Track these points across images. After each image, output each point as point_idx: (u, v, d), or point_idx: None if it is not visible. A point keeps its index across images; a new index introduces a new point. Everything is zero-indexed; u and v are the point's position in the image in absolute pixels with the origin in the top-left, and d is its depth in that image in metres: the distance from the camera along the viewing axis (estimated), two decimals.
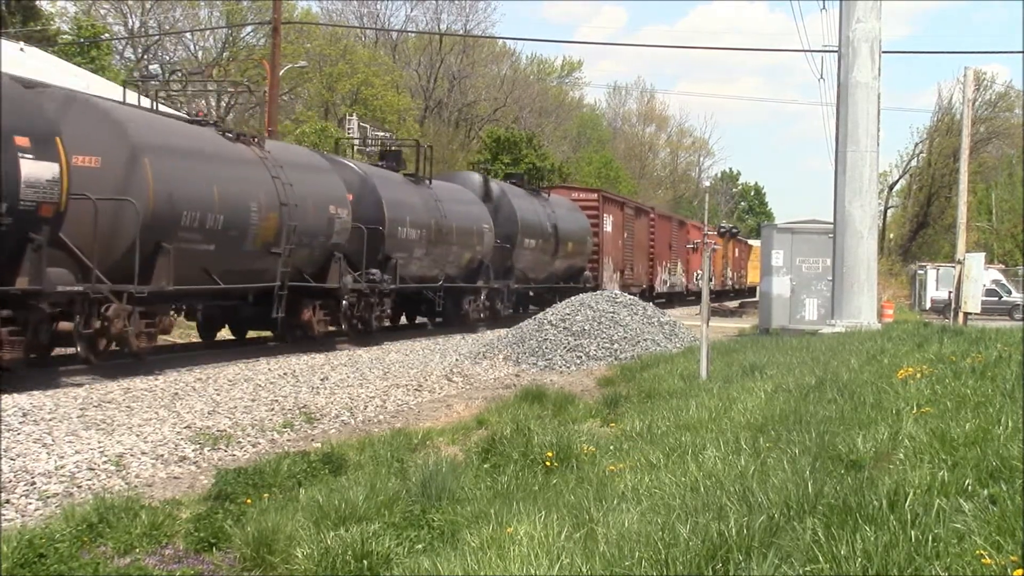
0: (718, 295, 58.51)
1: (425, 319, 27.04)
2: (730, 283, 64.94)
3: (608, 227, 36.17)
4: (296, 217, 17.71)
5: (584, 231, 34.18)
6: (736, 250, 65.97)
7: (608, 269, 35.91)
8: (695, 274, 53.68)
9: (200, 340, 19.90)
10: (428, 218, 23.61)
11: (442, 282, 24.58)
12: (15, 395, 11.35)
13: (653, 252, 43.14)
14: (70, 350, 14.30)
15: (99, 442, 9.37)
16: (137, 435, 9.82)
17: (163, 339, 16.79)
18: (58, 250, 13.18)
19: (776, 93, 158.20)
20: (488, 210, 27.58)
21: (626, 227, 38.56)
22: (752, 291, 68.67)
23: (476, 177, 29.81)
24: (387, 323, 22.02)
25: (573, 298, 21.21)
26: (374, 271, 20.82)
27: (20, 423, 9.93)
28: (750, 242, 73.02)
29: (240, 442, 10.12)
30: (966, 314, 26.13)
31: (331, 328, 20.07)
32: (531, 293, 33.00)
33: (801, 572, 4.26)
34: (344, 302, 19.70)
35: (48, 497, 7.69)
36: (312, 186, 18.85)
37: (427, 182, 25.11)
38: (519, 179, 33.11)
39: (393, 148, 27.06)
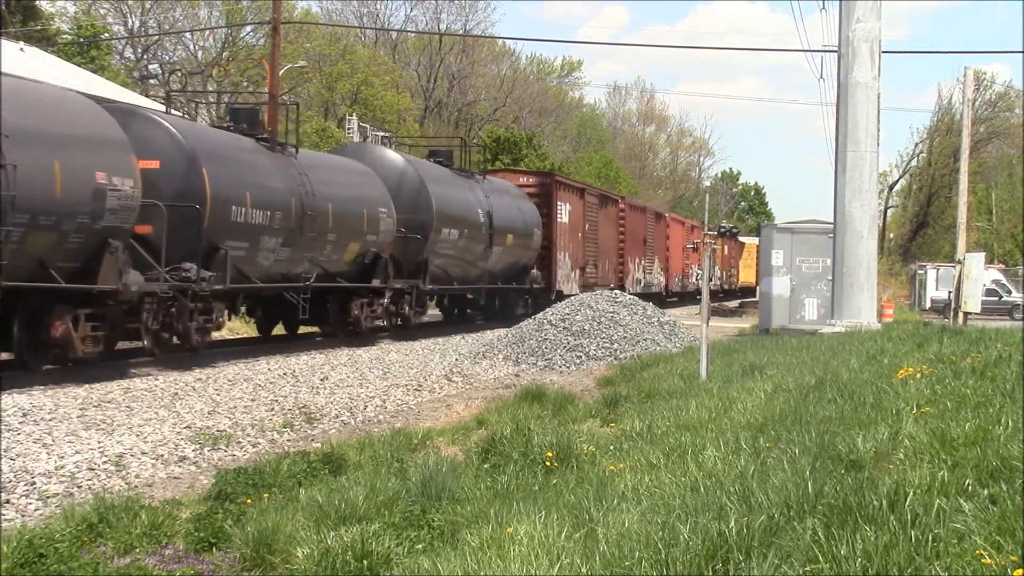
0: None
1: (317, 328, 21.55)
2: (718, 283, 59.75)
3: (563, 217, 31.07)
4: (22, 185, 12.01)
5: (530, 222, 28.97)
6: (726, 248, 61.14)
7: (563, 267, 31.15)
8: (688, 273, 50.44)
9: None
10: (286, 197, 17.84)
11: (312, 280, 19.00)
12: (15, 395, 11.35)
13: (623, 247, 37.83)
14: None
15: (99, 442, 9.38)
16: (137, 435, 9.82)
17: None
18: None
19: (776, 93, 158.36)
20: (398, 192, 22.38)
21: (588, 218, 33.33)
22: (745, 292, 64.66)
23: (387, 153, 24.16)
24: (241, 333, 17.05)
25: (573, 298, 21.17)
26: (189, 266, 15.21)
27: (20, 423, 9.93)
28: (743, 239, 69.63)
29: (240, 442, 10.13)
30: (966, 314, 26.13)
31: (115, 345, 15.13)
32: (469, 295, 28.31)
33: (801, 572, 4.27)
34: (144, 311, 14.52)
35: (48, 497, 7.69)
36: (61, 143, 13.17)
37: (292, 150, 19.23)
38: (445, 157, 27.07)
39: (247, 105, 20.28)
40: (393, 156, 23.99)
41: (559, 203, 30.88)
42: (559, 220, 30.72)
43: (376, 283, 21.27)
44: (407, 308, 22.53)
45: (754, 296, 61.63)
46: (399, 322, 22.66)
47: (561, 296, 30.36)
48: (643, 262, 41.41)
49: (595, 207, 34.51)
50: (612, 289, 35.09)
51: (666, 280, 45.55)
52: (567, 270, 31.52)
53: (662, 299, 44.52)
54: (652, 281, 42.48)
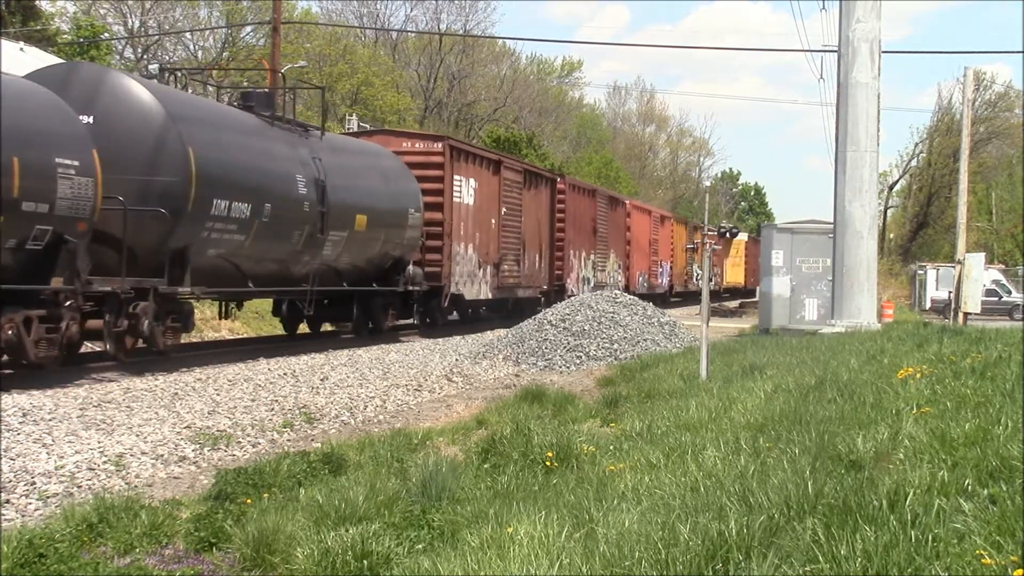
0: (682, 298, 48.82)
1: None
2: (697, 283, 52.13)
3: (465, 197, 23.93)
4: None
5: (402, 200, 21.27)
6: (706, 243, 56.20)
7: (465, 262, 24.15)
8: (656, 272, 43.70)
9: None
10: None
11: None
12: (15, 395, 11.35)
13: (562, 239, 31.12)
14: None
15: (99, 442, 9.38)
16: (137, 435, 9.82)
17: None
18: None
19: (778, 93, 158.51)
20: (142, 143, 14.42)
21: (506, 200, 26.38)
22: (733, 295, 59.45)
23: (119, 81, 14.87)
24: None
25: (573, 298, 21.10)
26: None
27: (20, 423, 9.93)
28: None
29: (240, 442, 10.13)
30: (966, 314, 26.14)
31: None
32: (308, 304, 19.29)
33: (801, 572, 4.27)
34: None
35: (48, 497, 7.69)
36: None
37: None
38: (260, 101, 18.35)
39: None
40: (130, 87, 14.79)
41: (458, 178, 23.62)
42: (457, 200, 23.54)
43: (60, 282, 12.97)
44: (145, 323, 14.29)
45: (742, 299, 56.52)
46: (132, 339, 14.50)
47: (459, 301, 24.68)
48: (593, 258, 34.65)
49: (517, 186, 27.37)
50: (543, 291, 28.98)
51: (626, 280, 38.45)
52: (470, 267, 24.50)
53: None
54: (607, 281, 35.60)
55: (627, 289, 35.96)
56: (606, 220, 36.29)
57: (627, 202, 41.11)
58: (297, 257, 18.26)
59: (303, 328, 21.94)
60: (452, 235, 23.46)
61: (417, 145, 23.65)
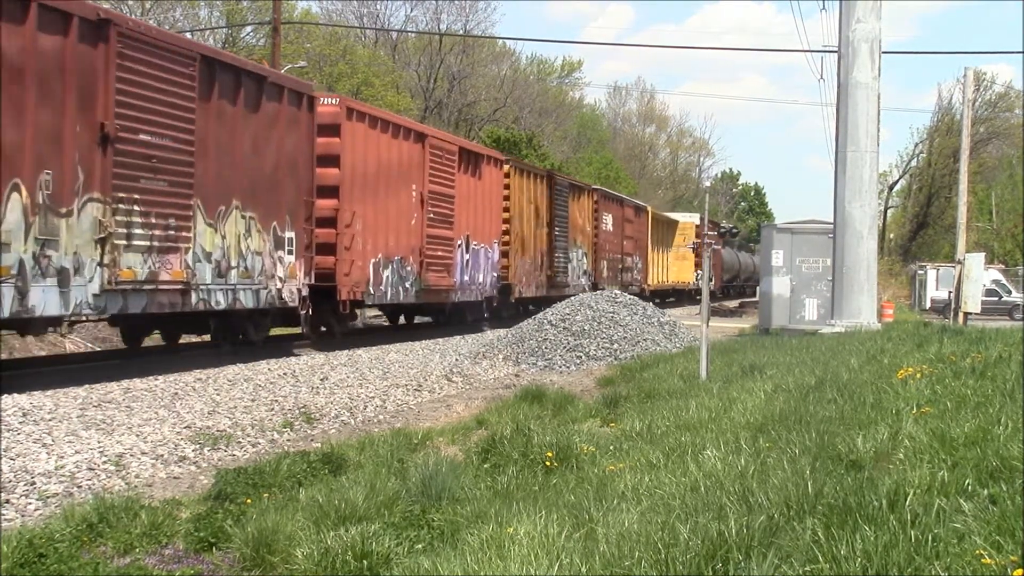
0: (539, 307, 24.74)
1: None
2: (584, 281, 33.29)
3: None
4: None
5: None
6: (606, 219, 36.08)
7: None
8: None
9: None
10: None
11: None
12: (15, 395, 11.35)
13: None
14: None
15: (99, 442, 9.37)
16: (137, 435, 9.82)
17: None
18: None
19: (780, 93, 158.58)
20: None
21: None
22: (675, 299, 47.64)
23: None
24: None
25: (573, 298, 21.12)
26: None
27: (20, 423, 9.93)
28: (674, 216, 47.50)
29: (240, 442, 10.13)
30: (966, 314, 26.17)
31: None
32: None
33: (801, 572, 4.26)
34: None
35: (48, 497, 7.69)
36: None
37: None
38: None
39: None
40: None
41: None
42: None
43: None
44: None
45: (687, 304, 46.06)
46: None
47: None
48: (133, 216, 13.69)
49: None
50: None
51: (312, 271, 18.78)
52: None
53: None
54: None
55: (321, 294, 18.93)
56: (237, 131, 15.88)
57: (323, 98, 19.08)
58: None
59: None
60: None
61: None
